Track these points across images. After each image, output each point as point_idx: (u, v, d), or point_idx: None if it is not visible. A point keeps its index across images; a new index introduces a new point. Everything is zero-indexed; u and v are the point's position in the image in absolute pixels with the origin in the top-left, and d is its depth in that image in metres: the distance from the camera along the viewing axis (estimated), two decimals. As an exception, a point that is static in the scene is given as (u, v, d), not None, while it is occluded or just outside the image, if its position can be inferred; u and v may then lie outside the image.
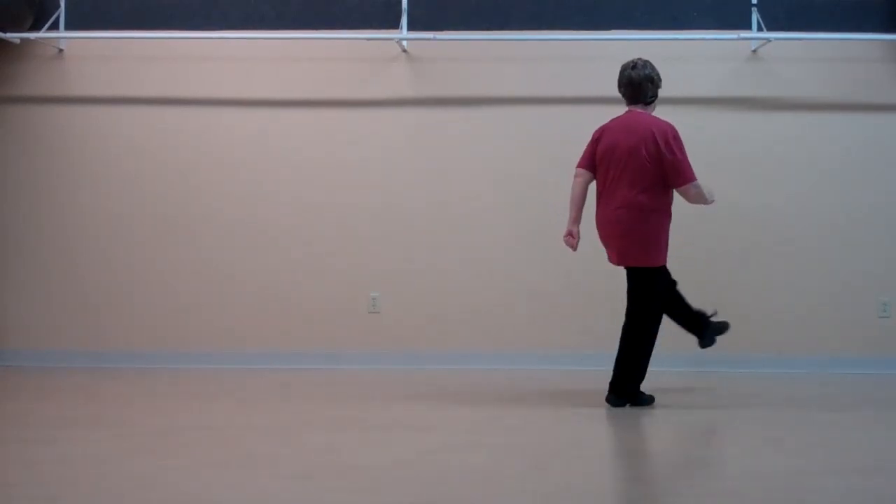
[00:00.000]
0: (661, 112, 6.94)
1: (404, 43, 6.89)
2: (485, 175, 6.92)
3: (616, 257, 5.01)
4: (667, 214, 5.03)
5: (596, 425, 4.55)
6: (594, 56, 6.94)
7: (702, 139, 6.87)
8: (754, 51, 6.87)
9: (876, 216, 6.82)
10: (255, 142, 6.97)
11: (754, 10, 6.77)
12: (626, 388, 5.01)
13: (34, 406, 5.00)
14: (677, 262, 6.82)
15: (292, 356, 6.87)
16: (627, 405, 5.04)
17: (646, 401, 5.06)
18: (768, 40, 6.71)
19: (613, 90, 6.95)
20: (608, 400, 5.05)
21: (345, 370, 6.67)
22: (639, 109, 5.10)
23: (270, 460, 3.64)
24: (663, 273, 5.07)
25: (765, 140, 6.87)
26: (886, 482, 3.33)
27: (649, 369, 5.13)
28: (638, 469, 3.57)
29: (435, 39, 6.77)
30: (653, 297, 4.98)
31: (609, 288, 6.87)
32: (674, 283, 5.26)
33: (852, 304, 6.80)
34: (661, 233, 4.97)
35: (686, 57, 6.86)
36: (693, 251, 6.83)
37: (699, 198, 5.01)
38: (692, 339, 6.83)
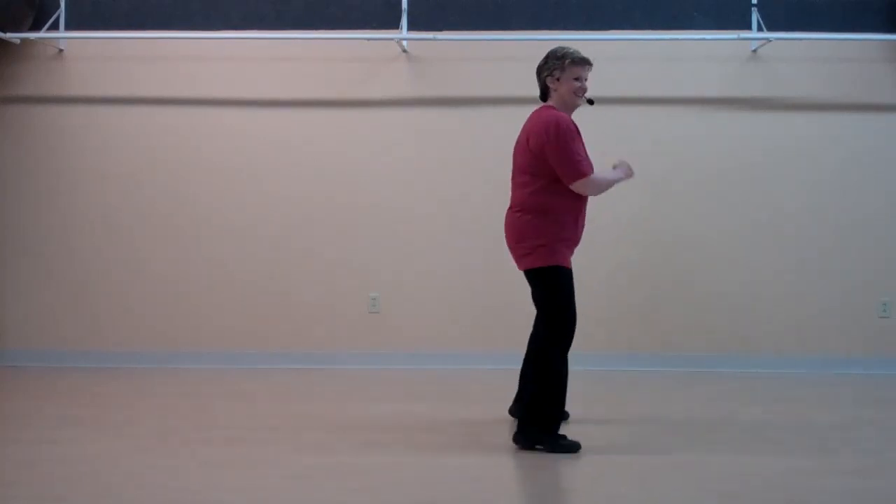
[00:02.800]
0: (660, 112, 6.98)
1: (404, 43, 6.89)
2: (485, 175, 6.92)
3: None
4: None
5: (595, 425, 4.55)
6: (594, 56, 6.92)
7: (702, 139, 6.87)
8: (754, 51, 6.87)
9: (876, 216, 6.82)
10: (254, 142, 6.97)
11: (754, 10, 6.78)
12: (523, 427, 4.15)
13: (34, 406, 5.00)
14: (675, 262, 6.83)
15: (292, 356, 6.87)
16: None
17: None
18: (768, 40, 6.71)
19: (613, 90, 6.97)
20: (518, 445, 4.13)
21: (345, 370, 6.67)
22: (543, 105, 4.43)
23: (270, 460, 3.64)
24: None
25: (765, 140, 6.87)
26: (886, 482, 3.33)
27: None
28: (638, 468, 3.57)
29: (435, 39, 6.77)
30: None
31: (606, 288, 6.87)
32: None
33: (852, 304, 6.80)
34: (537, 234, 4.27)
35: (686, 57, 6.86)
36: (692, 250, 6.83)
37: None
38: (690, 340, 6.84)
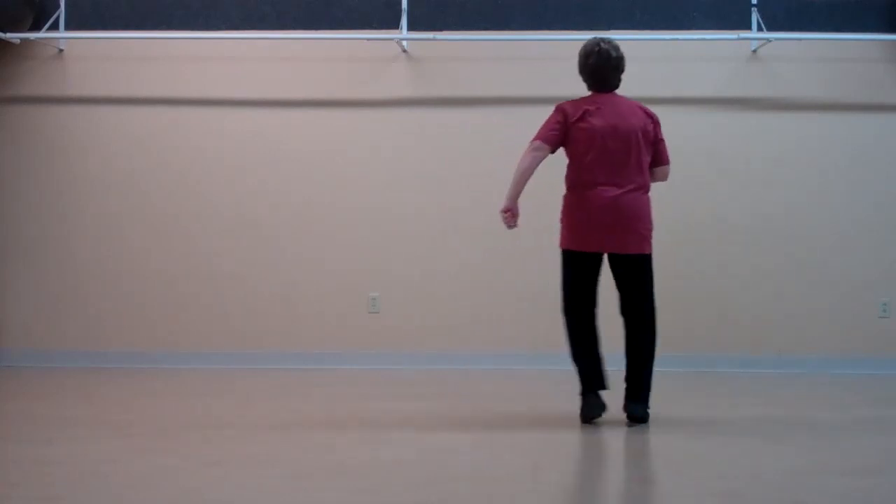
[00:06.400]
0: (660, 112, 6.96)
1: (404, 43, 6.90)
2: (485, 174, 6.92)
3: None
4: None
5: (593, 425, 4.55)
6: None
7: (701, 139, 6.87)
8: (754, 51, 6.87)
9: (876, 216, 6.82)
10: (255, 142, 6.97)
11: (754, 10, 6.78)
12: (645, 396, 4.54)
13: (34, 406, 5.00)
14: (675, 262, 6.83)
15: (292, 356, 6.87)
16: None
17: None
18: (768, 40, 6.72)
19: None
20: (639, 416, 4.49)
21: (345, 370, 6.67)
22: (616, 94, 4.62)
23: (270, 460, 3.64)
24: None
25: (764, 140, 6.87)
26: (886, 482, 3.33)
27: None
28: (638, 469, 3.57)
29: (435, 39, 6.78)
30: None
31: (606, 289, 6.86)
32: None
33: (852, 304, 6.80)
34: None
35: (686, 57, 6.86)
36: (692, 251, 6.83)
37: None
38: (690, 340, 6.84)
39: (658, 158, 4.63)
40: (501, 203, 4.53)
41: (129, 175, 6.99)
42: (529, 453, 3.84)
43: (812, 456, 3.79)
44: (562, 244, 4.58)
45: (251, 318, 6.92)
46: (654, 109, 6.87)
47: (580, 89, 6.97)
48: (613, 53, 4.52)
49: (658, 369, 6.72)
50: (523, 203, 6.92)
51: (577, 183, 4.51)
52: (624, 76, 6.85)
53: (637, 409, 4.49)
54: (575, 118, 4.50)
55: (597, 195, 4.43)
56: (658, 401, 5.27)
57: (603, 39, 4.57)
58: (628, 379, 4.55)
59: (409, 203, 6.94)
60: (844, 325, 6.80)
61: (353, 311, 6.91)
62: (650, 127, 4.56)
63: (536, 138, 4.54)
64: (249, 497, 3.08)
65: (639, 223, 4.47)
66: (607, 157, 4.45)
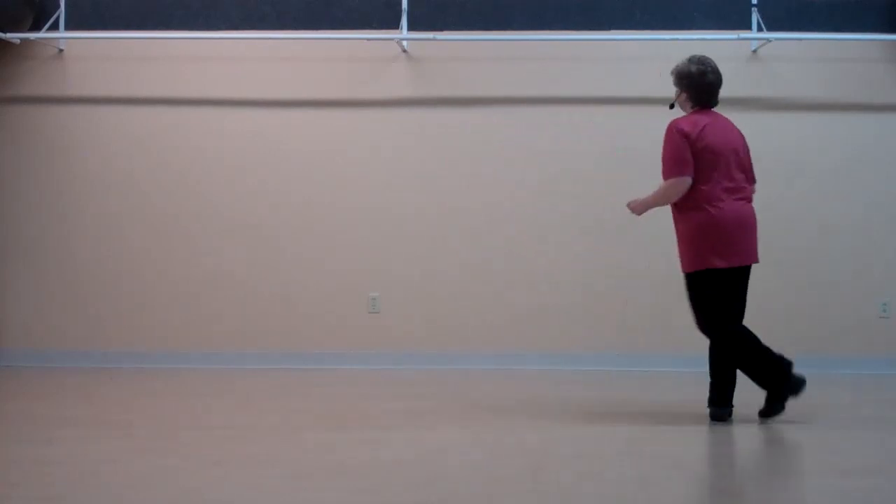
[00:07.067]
0: (660, 112, 6.97)
1: (404, 43, 6.90)
2: (484, 175, 6.92)
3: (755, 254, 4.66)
4: None
5: (593, 425, 4.55)
6: (594, 56, 6.94)
7: (702, 139, 6.87)
8: (754, 51, 6.88)
9: (876, 216, 6.82)
10: (254, 142, 6.97)
11: (754, 10, 6.78)
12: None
13: (34, 406, 5.00)
14: (676, 263, 6.83)
15: (292, 356, 6.87)
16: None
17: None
18: (768, 40, 6.72)
19: (613, 90, 6.97)
20: (775, 411, 4.64)
21: (345, 370, 6.67)
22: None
23: (270, 460, 3.64)
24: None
25: (764, 140, 6.87)
26: (886, 482, 3.33)
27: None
28: (636, 469, 3.57)
29: (435, 39, 6.78)
30: None
31: (608, 288, 6.87)
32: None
33: (852, 304, 6.80)
34: None
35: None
36: (693, 251, 6.82)
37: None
38: (691, 340, 6.83)
39: (751, 176, 4.78)
40: (635, 200, 4.69)
41: (129, 175, 6.99)
42: (529, 453, 3.84)
43: (812, 456, 3.79)
44: (708, 264, 4.52)
45: (251, 318, 6.92)
46: (655, 110, 6.94)
47: (579, 89, 7.00)
48: (720, 74, 4.70)
49: (658, 369, 6.75)
50: (526, 203, 6.94)
51: (708, 200, 4.53)
52: (624, 76, 6.92)
53: (776, 410, 4.66)
54: (694, 136, 4.56)
55: (734, 208, 4.54)
56: (658, 400, 5.27)
57: (707, 57, 4.71)
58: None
59: (409, 203, 6.94)
60: (844, 325, 6.80)
61: (353, 311, 6.91)
62: (746, 143, 4.74)
63: (680, 174, 4.53)
64: (249, 497, 3.08)
65: (757, 233, 4.67)
66: (728, 171, 4.58)
